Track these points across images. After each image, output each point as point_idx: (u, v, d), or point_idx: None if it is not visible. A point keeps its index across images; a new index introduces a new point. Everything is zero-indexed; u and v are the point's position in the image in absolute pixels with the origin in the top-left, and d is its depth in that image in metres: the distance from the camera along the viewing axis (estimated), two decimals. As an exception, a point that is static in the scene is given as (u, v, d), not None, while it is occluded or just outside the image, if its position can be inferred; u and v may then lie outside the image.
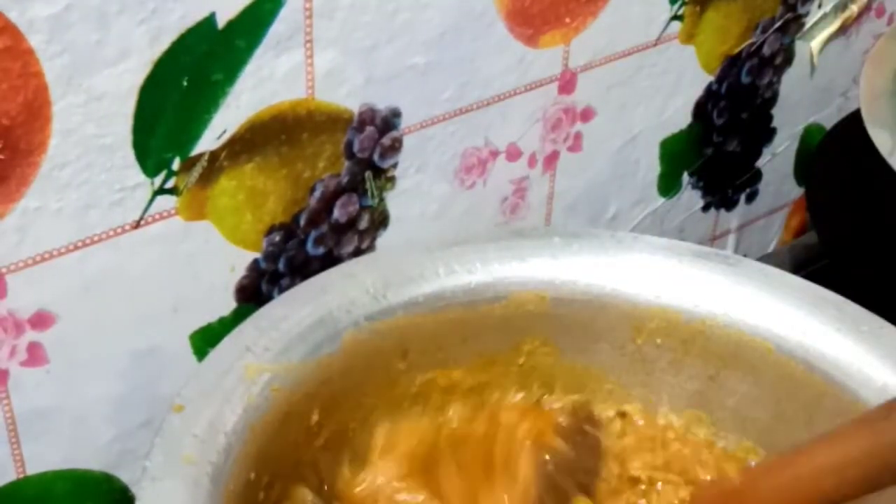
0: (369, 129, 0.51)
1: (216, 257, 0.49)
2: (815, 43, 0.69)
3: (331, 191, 0.51)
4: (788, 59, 0.68)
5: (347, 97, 0.49)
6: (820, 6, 0.67)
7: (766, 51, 0.66)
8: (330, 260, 0.53)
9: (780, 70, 0.68)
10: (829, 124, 0.71)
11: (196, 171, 0.46)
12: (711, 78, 0.64)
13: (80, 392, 0.48)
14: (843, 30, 0.70)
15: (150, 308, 0.48)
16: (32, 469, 0.48)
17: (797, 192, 0.76)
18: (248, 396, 0.41)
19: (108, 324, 0.47)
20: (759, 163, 0.72)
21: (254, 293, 0.51)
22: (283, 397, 0.42)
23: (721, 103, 0.66)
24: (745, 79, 0.66)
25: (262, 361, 0.42)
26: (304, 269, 0.52)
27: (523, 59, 0.55)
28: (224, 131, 0.46)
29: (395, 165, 0.53)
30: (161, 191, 0.46)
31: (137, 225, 0.46)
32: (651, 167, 0.65)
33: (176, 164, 0.46)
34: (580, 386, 0.49)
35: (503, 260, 0.47)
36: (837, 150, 0.64)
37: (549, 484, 0.46)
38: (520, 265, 0.47)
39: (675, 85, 0.63)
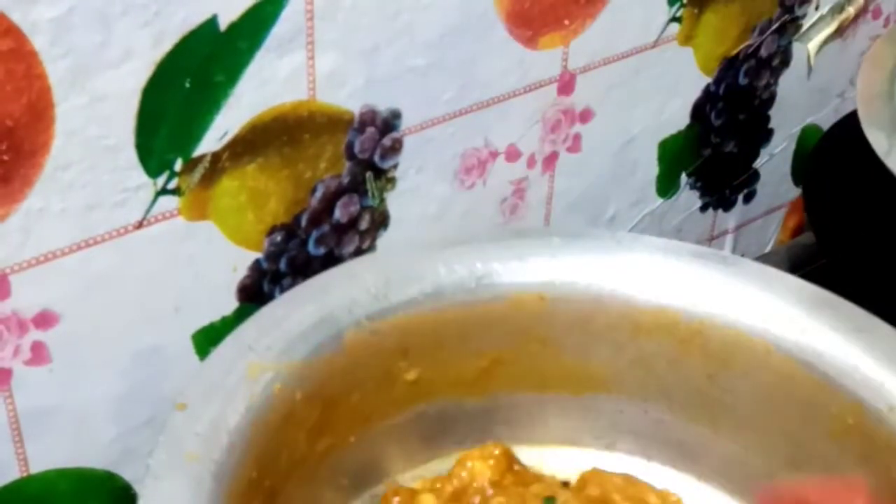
0: (370, 130, 0.51)
1: (218, 257, 0.49)
2: (812, 45, 0.69)
3: (332, 191, 0.51)
4: (785, 60, 0.68)
5: (348, 98, 0.50)
6: (817, 8, 0.67)
7: (764, 52, 0.66)
8: (331, 260, 0.53)
9: (777, 71, 0.68)
10: (825, 125, 0.71)
11: (198, 172, 0.46)
12: (709, 79, 0.64)
13: (83, 391, 0.48)
14: (839, 31, 0.70)
15: (152, 307, 0.48)
16: (35, 468, 0.48)
17: (794, 192, 0.76)
18: (251, 395, 0.41)
19: (111, 323, 0.47)
20: (757, 163, 0.72)
21: (256, 293, 0.51)
22: (285, 396, 0.42)
23: (719, 104, 0.66)
24: (742, 80, 0.66)
25: (264, 360, 0.42)
26: (305, 268, 0.52)
27: (523, 61, 0.55)
28: (226, 132, 0.46)
29: (395, 166, 0.53)
30: (164, 191, 0.46)
31: (140, 225, 0.46)
32: (649, 168, 0.65)
33: (178, 165, 0.46)
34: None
35: (503, 260, 0.47)
36: (834, 150, 0.64)
37: None
38: (520, 265, 0.48)
39: (674, 86, 0.63)
